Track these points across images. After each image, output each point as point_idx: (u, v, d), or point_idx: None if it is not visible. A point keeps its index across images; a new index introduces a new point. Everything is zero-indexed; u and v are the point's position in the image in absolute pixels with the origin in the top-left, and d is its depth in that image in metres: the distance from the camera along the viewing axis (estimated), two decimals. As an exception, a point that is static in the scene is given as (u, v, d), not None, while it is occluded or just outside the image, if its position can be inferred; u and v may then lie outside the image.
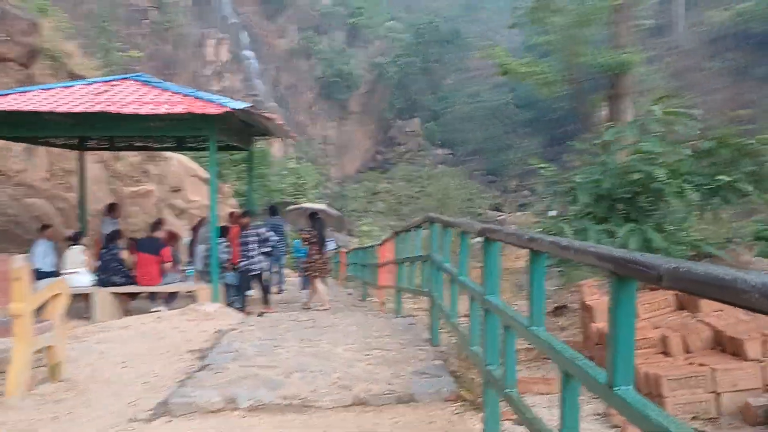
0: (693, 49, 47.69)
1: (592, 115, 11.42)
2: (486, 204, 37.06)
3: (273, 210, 14.72)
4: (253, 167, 15.08)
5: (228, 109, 9.97)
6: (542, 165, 6.98)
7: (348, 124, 66.79)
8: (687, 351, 4.45)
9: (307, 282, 12.51)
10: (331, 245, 16.65)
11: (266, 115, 11.37)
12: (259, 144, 46.80)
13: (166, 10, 57.76)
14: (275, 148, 59.91)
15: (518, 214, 46.26)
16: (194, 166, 25.78)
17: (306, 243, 11.83)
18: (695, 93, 47.91)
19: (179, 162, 24.20)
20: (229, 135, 12.95)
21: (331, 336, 6.43)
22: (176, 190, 22.54)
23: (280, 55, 65.00)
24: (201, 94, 11.01)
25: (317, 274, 11.71)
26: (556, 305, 9.05)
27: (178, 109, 10.25)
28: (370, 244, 18.96)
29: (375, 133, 67.94)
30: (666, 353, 4.54)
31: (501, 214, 45.20)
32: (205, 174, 27.43)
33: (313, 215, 12.33)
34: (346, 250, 17.54)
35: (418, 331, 6.67)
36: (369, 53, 68.48)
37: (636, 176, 5.32)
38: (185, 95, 10.87)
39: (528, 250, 2.95)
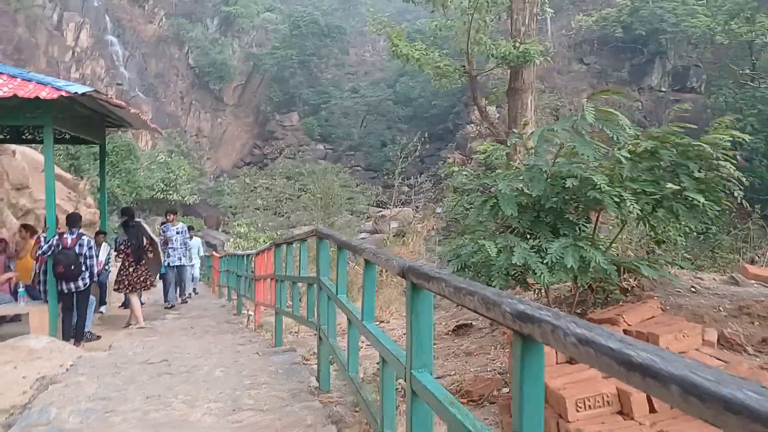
0: (559, 51, 49.36)
1: (484, 110, 10.51)
2: (370, 201, 36.19)
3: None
4: (105, 163, 12.95)
5: (64, 93, 8.08)
6: (455, 169, 5.80)
7: (223, 117, 63.63)
8: (652, 411, 3.44)
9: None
10: (195, 246, 15.58)
11: (114, 102, 9.50)
12: (123, 136, 43.25)
13: (17, -12, 51.93)
14: (143, 141, 55.88)
15: (398, 209, 45.86)
16: (41, 158, 22.72)
17: (121, 255, 10.28)
18: (562, 94, 49.78)
19: (24, 156, 21.12)
20: (72, 125, 10.89)
21: (190, 388, 4.92)
22: (21, 188, 19.55)
23: (147, 41, 60.63)
24: (34, 75, 8.98)
25: (130, 288, 10.43)
26: (457, 322, 7.99)
27: (1, 91, 8.23)
28: (244, 250, 17.27)
29: (252, 127, 65.28)
30: (625, 414, 3.50)
31: (382, 210, 44.60)
32: (58, 170, 24.37)
33: (126, 223, 10.93)
34: (219, 255, 15.80)
35: (303, 375, 5.30)
36: (244, 43, 65.61)
37: (569, 183, 4.25)
38: (12, 76, 8.80)
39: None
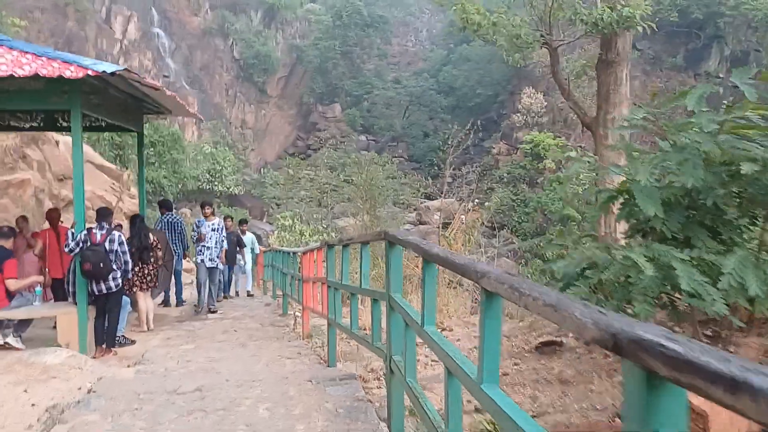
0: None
1: (567, 87, 9.07)
2: (414, 192, 34.89)
3: (165, 205, 11.77)
4: (143, 152, 11.99)
5: (90, 72, 7.01)
6: (572, 154, 4.35)
7: (267, 108, 63.01)
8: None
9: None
10: (248, 242, 14.65)
11: (148, 82, 8.42)
12: (169, 127, 42.83)
13: (67, -17, 52.04)
14: (189, 131, 55.62)
15: (443, 201, 44.45)
16: (88, 150, 22.09)
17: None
18: (613, 81, 47.47)
19: (67, 146, 20.50)
20: (106, 110, 9.89)
21: (227, 435, 3.75)
22: (62, 178, 18.91)
23: (193, 33, 60.30)
24: (61, 54, 7.94)
25: (135, 288, 9.45)
26: (541, 340, 6.67)
27: (23, 71, 7.24)
28: (289, 243, 16.20)
29: (295, 118, 64.54)
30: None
31: (426, 201, 43.29)
32: (101, 160, 23.73)
33: (133, 219, 9.89)
34: (264, 249, 14.82)
35: (370, 419, 4.08)
36: (287, 35, 64.77)
37: (747, 169, 2.90)
38: (37, 55, 7.77)
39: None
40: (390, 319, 4.03)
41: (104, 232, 8.30)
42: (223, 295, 12.95)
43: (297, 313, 10.23)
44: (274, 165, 56.96)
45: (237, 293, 14.57)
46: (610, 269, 3.26)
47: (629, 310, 3.25)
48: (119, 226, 9.71)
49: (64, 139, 21.07)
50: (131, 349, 8.43)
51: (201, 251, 11.11)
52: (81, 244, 7.79)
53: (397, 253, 3.98)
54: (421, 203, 43.77)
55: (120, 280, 8.34)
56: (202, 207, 11.68)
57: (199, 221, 11.37)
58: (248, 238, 14.88)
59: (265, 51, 59.80)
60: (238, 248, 13.52)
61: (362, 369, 6.20)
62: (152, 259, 9.61)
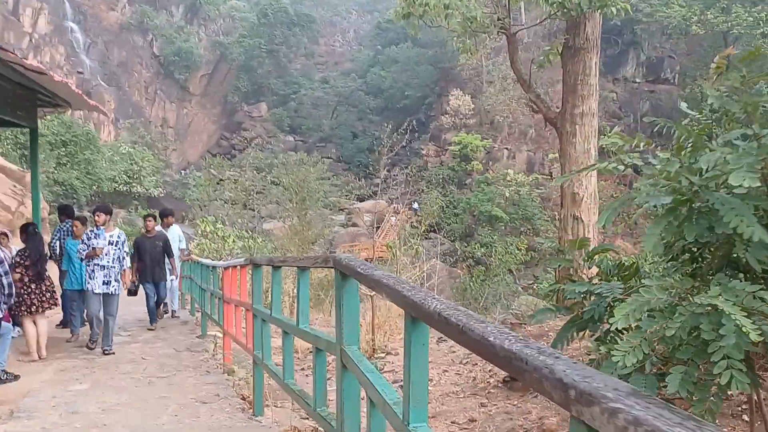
0: (534, 42, 47.43)
1: (527, 79, 8.10)
2: (345, 194, 33.76)
3: (66, 211, 10.04)
4: (36, 150, 10.25)
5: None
6: (618, 141, 3.21)
7: (189, 107, 60.15)
8: None
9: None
10: (174, 238, 11.43)
11: (33, 66, 6.85)
12: (83, 125, 39.80)
13: (-32, -30, 47.74)
14: (105, 131, 52.22)
15: (372, 202, 43.48)
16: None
17: (18, 269, 7.56)
18: (537, 85, 47.85)
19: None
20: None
21: None
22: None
23: (110, 28, 56.75)
24: None
25: (28, 311, 7.80)
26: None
27: None
28: (210, 252, 14.63)
29: (219, 117, 61.96)
30: None
31: (356, 203, 42.20)
32: (1, 160, 21.30)
33: (26, 227, 8.29)
34: (183, 258, 12.77)
35: None
36: (210, 32, 62.09)
37: None
38: None
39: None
40: (342, 382, 2.83)
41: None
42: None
43: (218, 335, 8.85)
44: (198, 165, 54.37)
45: (173, 313, 11.62)
46: (675, 320, 2.17)
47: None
48: (2, 236, 8.04)
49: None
50: (11, 388, 6.82)
51: (92, 273, 8.22)
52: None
53: (352, 289, 2.79)
54: (352, 205, 42.65)
55: (3, 305, 6.75)
56: (94, 213, 8.74)
57: (91, 232, 8.35)
58: (174, 232, 11.50)
59: (186, 47, 57.02)
60: (165, 256, 10.36)
61: (298, 419, 4.95)
62: (46, 276, 8.07)
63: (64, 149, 36.30)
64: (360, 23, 75.90)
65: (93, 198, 40.64)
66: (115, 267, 8.32)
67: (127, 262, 8.82)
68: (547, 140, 46.28)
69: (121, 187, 43.60)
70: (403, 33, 62.27)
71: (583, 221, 7.18)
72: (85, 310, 8.96)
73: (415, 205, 39.96)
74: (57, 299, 8.40)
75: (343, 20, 74.99)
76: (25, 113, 9.58)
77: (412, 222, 40.53)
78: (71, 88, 8.09)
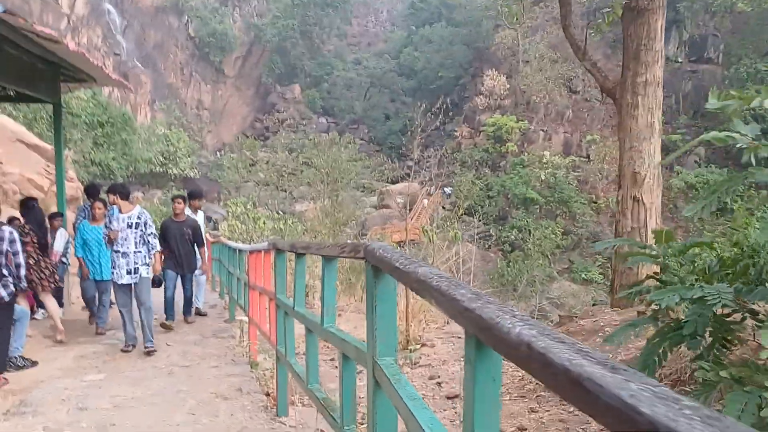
0: (572, 20, 45.77)
1: (582, 45, 7.33)
2: (378, 176, 33.01)
3: (92, 191, 9.54)
4: (60, 127, 9.88)
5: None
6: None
7: (224, 89, 59.99)
8: None
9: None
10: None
11: (46, 32, 6.38)
12: (121, 107, 39.93)
13: (8, -48, 47.92)
14: (142, 113, 52.42)
15: (404, 184, 42.78)
16: (17, 128, 19.51)
17: (25, 245, 7.07)
18: (573, 64, 46.33)
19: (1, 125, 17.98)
20: (13, 77, 7.84)
21: None
22: (-15, 159, 16.47)
23: (146, 10, 56.71)
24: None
25: (42, 286, 7.54)
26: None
27: None
28: (243, 237, 14.19)
29: (253, 99, 61.69)
30: None
31: (388, 185, 41.57)
32: (33, 138, 21.23)
33: (26, 202, 8.23)
34: (211, 239, 12.30)
35: None
36: (245, 13, 61.63)
37: None
38: None
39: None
40: (374, 401, 2.25)
41: (-11, 228, 6.30)
42: (185, 317, 9.01)
43: (245, 320, 8.39)
44: (232, 147, 54.31)
45: (198, 310, 9.76)
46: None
47: None
48: (13, 220, 7.67)
49: (-6, 117, 18.58)
50: (26, 376, 6.47)
51: (114, 262, 7.18)
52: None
53: (387, 288, 2.19)
54: (384, 187, 42.01)
55: (12, 288, 6.35)
56: (109, 192, 7.75)
57: (110, 214, 7.34)
58: (200, 218, 10.01)
59: (221, 29, 56.71)
60: (194, 244, 9.11)
61: (325, 422, 4.41)
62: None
63: (101, 130, 36.37)
64: (393, 3, 74.63)
65: (129, 179, 40.87)
66: (141, 251, 7.17)
67: (157, 244, 7.43)
68: (585, 122, 44.83)
69: (157, 168, 43.74)
70: (437, 12, 60.97)
71: (644, 204, 6.43)
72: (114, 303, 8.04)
73: (448, 190, 39.14)
74: (57, 277, 8.03)
75: (376, 0, 73.82)
76: (46, 87, 9.19)
77: (444, 205, 39.78)
78: (88, 59, 7.63)
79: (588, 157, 42.42)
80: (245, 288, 7.43)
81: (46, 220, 8.90)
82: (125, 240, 7.15)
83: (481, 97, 45.85)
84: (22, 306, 7.04)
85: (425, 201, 39.19)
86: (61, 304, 9.63)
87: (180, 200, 9.36)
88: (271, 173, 28.35)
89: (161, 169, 44.27)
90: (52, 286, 7.80)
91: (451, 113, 48.04)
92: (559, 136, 44.54)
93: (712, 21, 44.48)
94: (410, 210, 39.27)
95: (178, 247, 8.87)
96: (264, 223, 14.06)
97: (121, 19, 55.14)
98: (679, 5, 43.29)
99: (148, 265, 7.27)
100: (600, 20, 7.56)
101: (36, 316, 9.31)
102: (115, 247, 7.18)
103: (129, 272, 7.15)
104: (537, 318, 21.69)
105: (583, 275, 35.67)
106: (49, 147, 22.27)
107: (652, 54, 6.61)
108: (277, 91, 60.75)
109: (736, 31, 43.29)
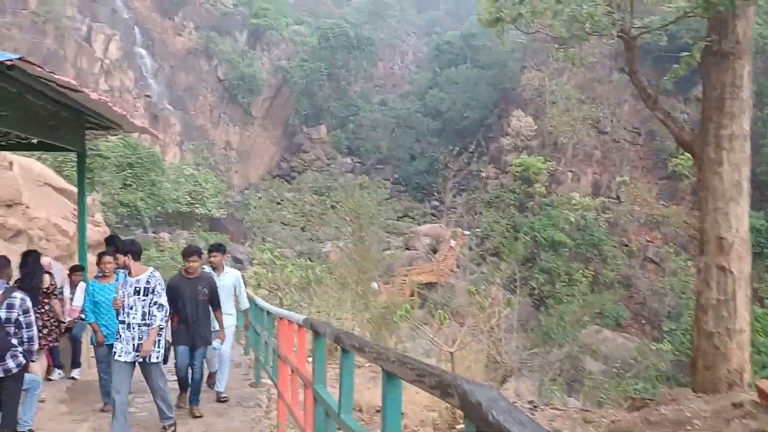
0: (600, 60, 45.42)
1: (653, 92, 6.70)
2: (413, 222, 32.42)
3: (112, 242, 8.92)
4: (84, 175, 9.46)
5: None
6: None
7: (252, 129, 60.45)
8: None
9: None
10: (227, 286, 7.74)
11: (64, 80, 5.94)
12: (150, 147, 40.18)
13: (47, 1, 49.30)
14: (171, 153, 52.83)
15: (429, 226, 42.15)
16: (45, 171, 19.34)
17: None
18: (603, 105, 45.76)
19: (22, 167, 17.81)
20: (36, 126, 7.44)
21: None
22: (11, 204, 16.19)
23: (177, 54, 57.77)
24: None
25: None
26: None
27: None
28: (268, 279, 13.59)
29: (280, 140, 62.02)
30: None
31: (417, 227, 40.97)
32: (62, 182, 21.03)
33: (26, 255, 7.40)
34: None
35: None
36: (273, 56, 62.45)
37: None
38: None
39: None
40: None
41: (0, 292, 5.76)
42: (183, 403, 7.26)
43: (272, 388, 7.70)
44: (258, 187, 54.35)
45: (219, 395, 7.70)
46: None
47: None
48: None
49: (19, 160, 18.42)
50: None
51: (120, 333, 6.00)
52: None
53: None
54: (410, 228, 41.40)
55: (22, 359, 5.76)
56: (120, 253, 6.37)
57: (117, 278, 6.23)
58: (229, 277, 7.82)
59: (250, 72, 57.42)
60: (210, 308, 7.10)
61: None
62: (47, 307, 7.20)
63: (130, 171, 36.50)
64: (419, 45, 75.23)
65: (157, 219, 40.84)
66: (147, 323, 5.93)
67: (160, 318, 5.98)
68: (614, 162, 43.96)
69: (184, 208, 43.70)
70: (462, 54, 61.11)
71: (732, 273, 5.66)
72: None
73: (466, 232, 38.44)
74: (57, 337, 7.49)
75: (402, 43, 74.45)
76: (71, 136, 8.79)
77: (470, 246, 38.98)
78: (110, 107, 7.19)
79: (618, 198, 41.43)
80: (274, 355, 6.76)
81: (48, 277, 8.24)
82: (130, 308, 5.93)
83: (508, 137, 45.38)
84: (33, 375, 6.45)
85: (452, 242, 38.47)
86: (77, 364, 9.06)
87: (195, 257, 7.07)
88: (297, 216, 27.94)
89: (188, 209, 44.22)
90: (53, 345, 7.28)
91: (475, 154, 47.61)
92: (588, 177, 43.70)
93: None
94: (435, 252, 38.58)
95: (191, 312, 6.88)
96: (291, 271, 13.45)
97: (153, 62, 56.16)
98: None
99: (158, 338, 6.00)
100: (676, 66, 6.88)
101: (52, 376, 8.74)
102: (120, 317, 6.02)
103: (136, 348, 5.89)
104: (570, 371, 20.53)
105: (615, 321, 34.40)
106: (75, 189, 22.10)
107: (738, 103, 5.95)
108: (304, 132, 61.02)
109: None
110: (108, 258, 7.38)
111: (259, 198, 44.18)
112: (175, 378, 7.23)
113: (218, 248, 8.03)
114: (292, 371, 5.29)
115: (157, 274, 6.14)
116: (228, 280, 7.76)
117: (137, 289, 5.94)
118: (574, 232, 37.83)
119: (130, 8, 56.62)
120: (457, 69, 58.01)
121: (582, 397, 11.47)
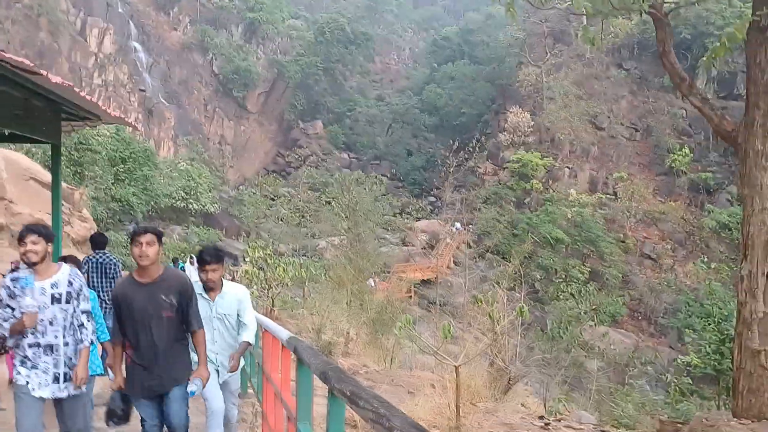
0: (597, 56, 44.84)
1: (688, 77, 6.04)
2: (410, 218, 31.75)
3: (97, 241, 8.19)
4: (59, 167, 8.78)
5: None
6: None
7: (247, 124, 59.67)
8: None
9: None
10: (229, 308, 4.84)
11: (26, 65, 5.27)
12: (143, 142, 39.33)
13: (42, -6, 48.38)
14: (164, 148, 52.03)
15: (426, 222, 41.53)
16: (32, 165, 18.63)
17: None
18: (600, 101, 45.19)
19: (8, 161, 17.12)
20: (6, 117, 6.78)
21: None
22: (-9, 199, 15.54)
23: (171, 48, 56.91)
24: None
25: None
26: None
27: None
28: (260, 280, 12.91)
29: (276, 135, 61.26)
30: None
31: (414, 223, 40.29)
32: (49, 177, 20.27)
33: None
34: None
35: None
36: (268, 50, 61.64)
37: None
38: None
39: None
40: None
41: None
42: None
43: (256, 405, 7.06)
44: (253, 182, 53.60)
45: None
46: None
47: None
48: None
49: (4, 154, 17.71)
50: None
51: (24, 358, 3.96)
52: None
53: None
54: (407, 224, 40.75)
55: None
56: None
57: (15, 279, 3.96)
58: (230, 299, 4.79)
59: (245, 66, 56.61)
60: (184, 330, 4.19)
61: None
62: None
63: (122, 165, 35.68)
64: (416, 41, 74.52)
65: (150, 214, 40.03)
66: (69, 343, 4.04)
67: (89, 331, 4.13)
68: (611, 158, 43.41)
69: (177, 203, 42.90)
70: (459, 50, 60.46)
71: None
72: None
73: (457, 225, 37.85)
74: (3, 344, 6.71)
75: (399, 38, 73.72)
76: (45, 127, 8.12)
77: (467, 242, 38.36)
78: (78, 93, 6.54)
79: (615, 194, 40.91)
80: (259, 369, 6.13)
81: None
82: (46, 324, 3.97)
83: (505, 133, 44.76)
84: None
85: (448, 239, 37.85)
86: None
87: (151, 239, 3.98)
88: (292, 212, 27.29)
89: (182, 204, 43.42)
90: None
91: (474, 149, 46.96)
92: (585, 173, 43.15)
93: (741, 57, 43.11)
94: (432, 248, 37.95)
95: (147, 341, 4.05)
96: (284, 270, 12.82)
97: (147, 56, 55.28)
98: (707, 41, 42.11)
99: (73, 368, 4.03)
100: (716, 44, 6.17)
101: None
102: (31, 339, 3.96)
103: (56, 378, 3.96)
104: (571, 369, 19.95)
105: (612, 317, 33.90)
106: (64, 185, 21.35)
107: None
108: (300, 127, 60.29)
109: (766, 68, 41.88)
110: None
111: (254, 193, 43.44)
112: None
113: (215, 256, 4.76)
114: (275, 395, 4.66)
115: (74, 271, 4.16)
116: (229, 303, 4.82)
117: (54, 295, 3.95)
118: (571, 228, 37.29)
119: (125, 2, 55.71)
120: (455, 65, 57.39)
121: (594, 410, 10.86)
